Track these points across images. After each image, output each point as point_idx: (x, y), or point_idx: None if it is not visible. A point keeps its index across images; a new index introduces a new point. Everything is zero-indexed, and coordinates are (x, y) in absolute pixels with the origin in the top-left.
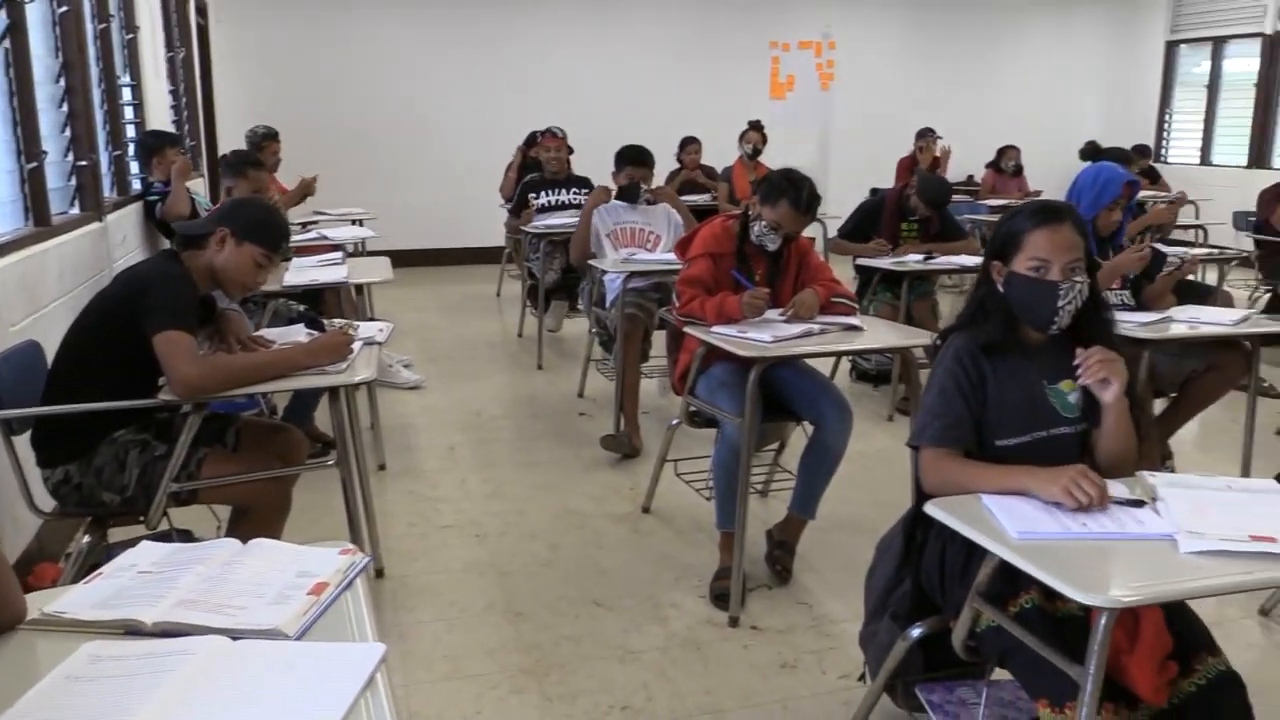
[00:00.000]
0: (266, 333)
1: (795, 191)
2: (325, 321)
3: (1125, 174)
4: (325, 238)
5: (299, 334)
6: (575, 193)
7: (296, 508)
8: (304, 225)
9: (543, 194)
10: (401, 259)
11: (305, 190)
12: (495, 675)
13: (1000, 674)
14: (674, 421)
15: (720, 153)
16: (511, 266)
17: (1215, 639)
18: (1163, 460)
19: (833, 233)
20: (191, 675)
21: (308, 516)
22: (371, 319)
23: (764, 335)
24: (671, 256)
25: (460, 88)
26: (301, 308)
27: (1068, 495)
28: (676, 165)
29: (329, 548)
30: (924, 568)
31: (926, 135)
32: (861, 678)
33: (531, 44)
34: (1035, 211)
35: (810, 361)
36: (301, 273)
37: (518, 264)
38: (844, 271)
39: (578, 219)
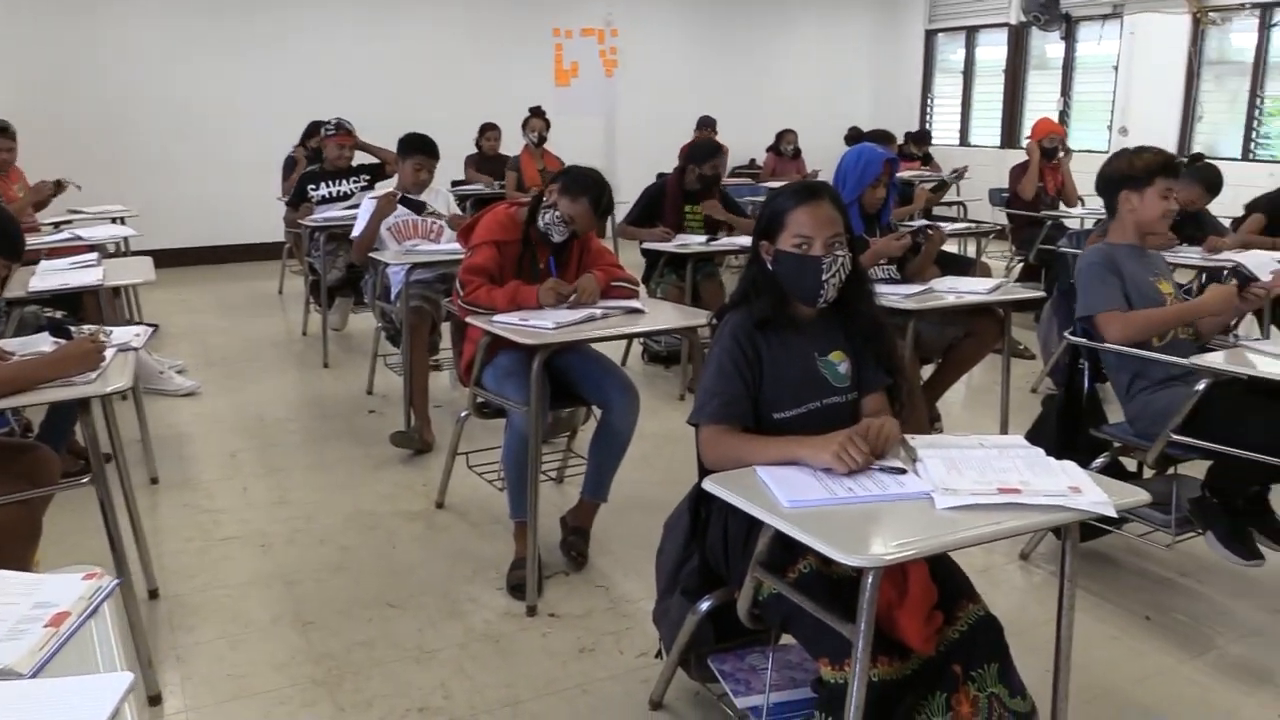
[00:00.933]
0: (6, 344)
1: (598, 192)
2: (73, 328)
3: (884, 153)
4: (80, 238)
5: (43, 343)
6: (354, 181)
7: (57, 532)
8: (56, 225)
9: (322, 185)
10: (173, 258)
11: (45, 193)
12: (285, 690)
13: (787, 638)
14: (463, 414)
15: (506, 141)
16: (293, 262)
17: (982, 585)
18: (931, 423)
19: (620, 219)
20: None
21: (71, 540)
22: (140, 323)
23: (546, 322)
24: (456, 246)
25: (227, 76)
26: (59, 314)
27: (838, 460)
28: (474, 150)
29: (72, 573)
30: (709, 542)
31: (707, 125)
32: (658, 654)
33: (303, 31)
34: (796, 191)
35: (598, 346)
36: (51, 276)
37: (299, 259)
38: (633, 256)
39: (358, 210)
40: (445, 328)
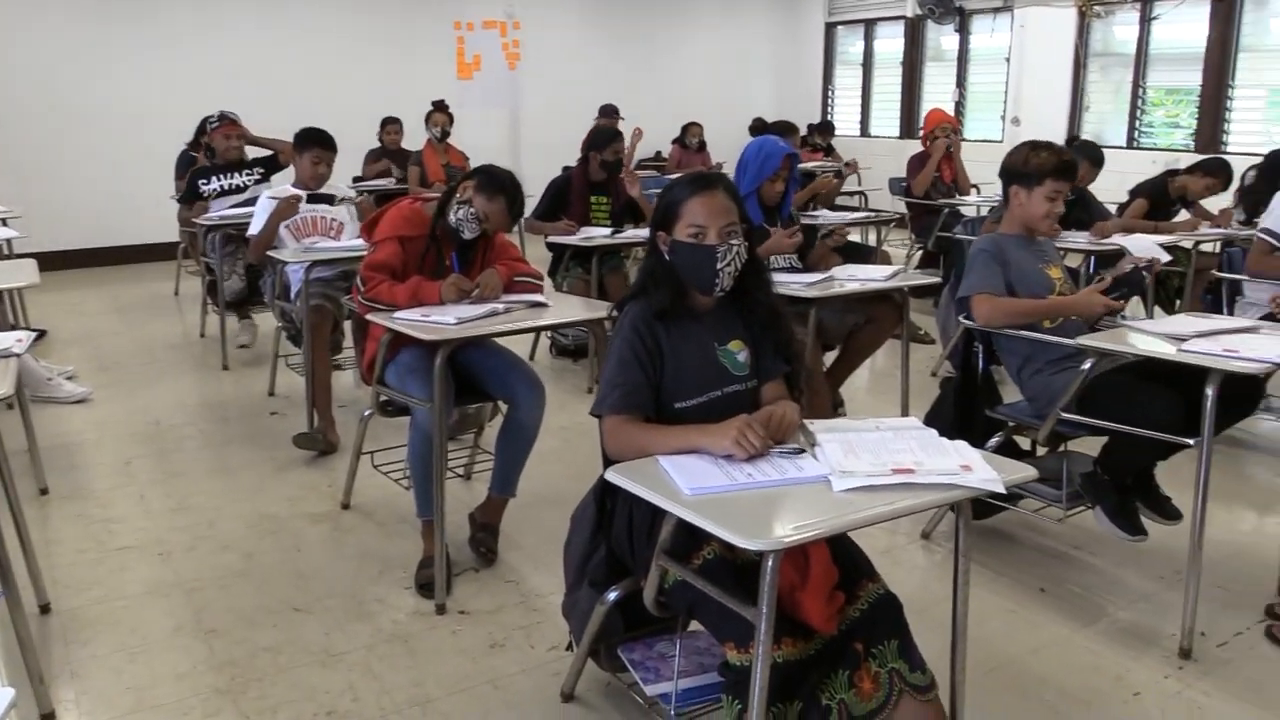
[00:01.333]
0: None
1: (515, 193)
2: None
3: (785, 147)
4: None
5: None
6: (248, 174)
7: None
8: None
9: (213, 179)
10: (62, 260)
11: None
12: (187, 700)
13: (696, 625)
14: (366, 412)
15: (409, 135)
16: (189, 262)
17: (885, 564)
18: (835, 408)
19: (527, 213)
20: None
21: None
22: (24, 328)
23: (448, 318)
24: (357, 243)
25: (116, 69)
26: None
27: (737, 446)
28: (377, 145)
29: None
30: (615, 533)
31: (610, 113)
32: (569, 647)
33: (198, 23)
34: (690, 182)
35: (504, 340)
36: None
37: (195, 259)
38: (540, 250)
39: (255, 205)
40: (349, 326)
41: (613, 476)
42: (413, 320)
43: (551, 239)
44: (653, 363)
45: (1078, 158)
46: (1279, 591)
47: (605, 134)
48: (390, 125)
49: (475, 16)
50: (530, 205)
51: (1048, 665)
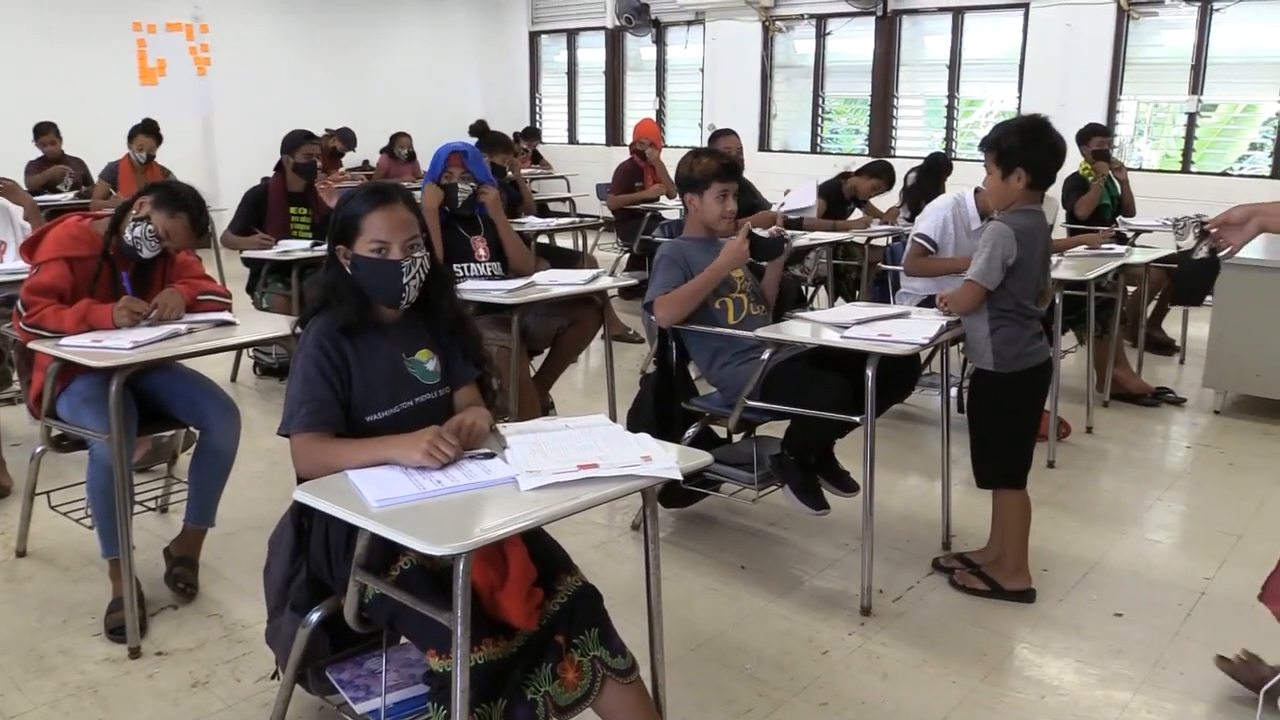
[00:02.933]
0: None
1: (198, 209)
2: None
3: (450, 146)
4: None
5: None
6: None
7: None
8: None
9: None
10: None
11: None
12: None
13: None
14: (38, 449)
15: (92, 143)
16: None
17: (598, 557)
18: (545, 410)
19: (223, 227)
20: None
21: None
22: None
23: (122, 341)
24: (19, 265)
25: None
26: None
27: (428, 457)
28: (39, 155)
29: None
30: (313, 553)
31: (346, 139)
32: (274, 675)
33: None
34: (368, 195)
35: (202, 364)
36: None
37: None
38: (237, 267)
39: None
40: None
41: (300, 495)
42: (82, 346)
43: (247, 254)
44: (339, 377)
45: (725, 136)
46: (943, 546)
47: (295, 137)
48: (45, 135)
49: (157, 18)
50: (225, 219)
51: (747, 636)
